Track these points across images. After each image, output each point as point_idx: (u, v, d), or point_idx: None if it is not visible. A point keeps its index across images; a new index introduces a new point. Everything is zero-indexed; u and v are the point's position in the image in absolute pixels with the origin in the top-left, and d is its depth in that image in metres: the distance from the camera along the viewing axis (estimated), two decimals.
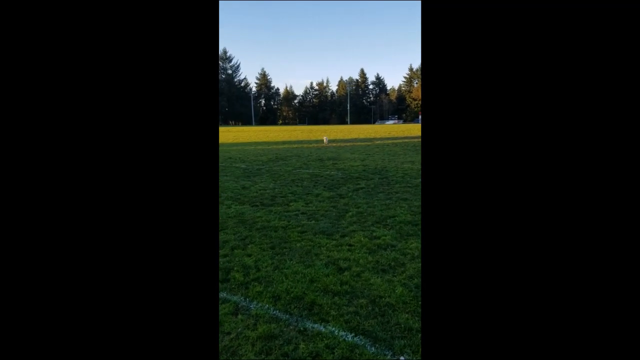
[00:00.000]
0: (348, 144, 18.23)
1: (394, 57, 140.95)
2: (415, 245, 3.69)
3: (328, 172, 8.57)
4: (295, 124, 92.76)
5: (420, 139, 19.24)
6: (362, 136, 25.12)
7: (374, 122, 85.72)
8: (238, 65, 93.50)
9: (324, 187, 6.79)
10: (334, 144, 17.84)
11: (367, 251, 3.56)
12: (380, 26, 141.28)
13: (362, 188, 6.59)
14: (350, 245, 3.74)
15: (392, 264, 3.27)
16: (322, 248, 3.65)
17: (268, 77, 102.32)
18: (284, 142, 19.64)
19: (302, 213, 5.00)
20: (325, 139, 17.94)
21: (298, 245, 3.76)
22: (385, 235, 4.00)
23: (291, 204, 5.54)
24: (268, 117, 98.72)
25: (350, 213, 4.93)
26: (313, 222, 4.58)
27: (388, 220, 4.56)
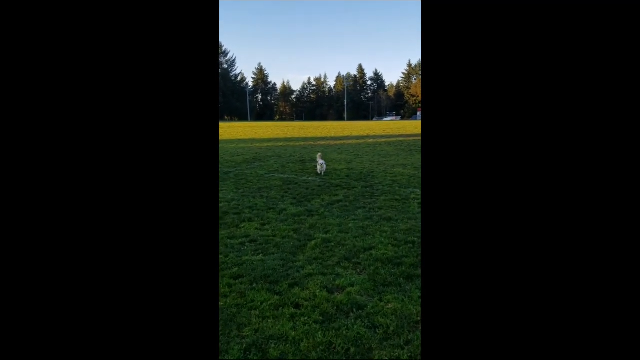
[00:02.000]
0: (338, 142, 16.98)
1: (392, 53, 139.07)
2: (393, 306, 2.47)
3: (305, 178, 7.34)
4: (293, 119, 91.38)
5: (415, 138, 18.41)
6: (355, 133, 23.86)
7: (372, 119, 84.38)
8: (234, 60, 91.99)
9: (293, 198, 5.56)
10: (324, 142, 16.59)
11: (319, 318, 2.34)
12: (379, 22, 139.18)
13: (339, 201, 5.36)
14: (297, 306, 2.52)
15: (352, 350, 2.05)
16: (253, 312, 2.43)
17: (265, 72, 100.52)
18: (269, 140, 18.36)
19: (252, 241, 3.78)
20: (320, 164, 7.67)
21: (220, 305, 2.54)
22: (353, 285, 2.78)
23: (243, 224, 4.31)
24: (265, 113, 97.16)
25: (314, 241, 3.71)
26: (260, 257, 3.36)
27: (361, 256, 3.35)
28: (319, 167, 7.66)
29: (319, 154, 8.30)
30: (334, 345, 2.10)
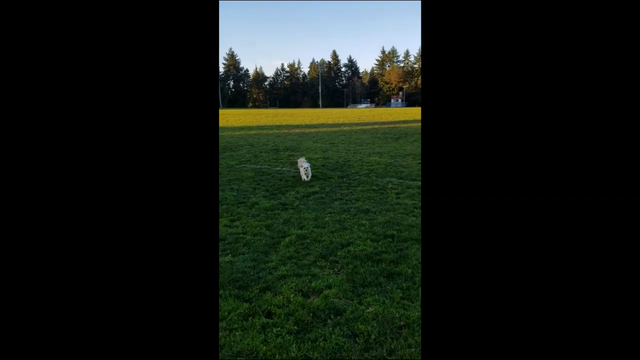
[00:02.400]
0: (313, 130, 16.68)
1: (366, 39, 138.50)
2: (374, 309, 2.28)
3: (279, 168, 7.04)
4: (267, 106, 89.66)
5: (390, 125, 18.44)
6: (330, 121, 23.60)
7: (346, 106, 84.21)
8: None
9: (266, 191, 5.27)
10: (298, 130, 16.23)
11: (294, 328, 2.12)
12: (352, 6, 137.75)
13: (314, 193, 5.13)
14: (269, 314, 2.28)
15: None
16: (219, 324, 2.16)
17: (237, 58, 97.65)
18: (241, 128, 17.76)
19: (219, 240, 3.48)
20: (305, 168, 5.86)
21: None
22: (330, 287, 2.57)
23: None
24: (237, 100, 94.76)
25: (288, 238, 3.47)
26: (228, 257, 3.08)
27: (339, 253, 3.14)
28: (303, 173, 5.86)
29: (301, 158, 6.23)
30: (310, 359, 1.88)
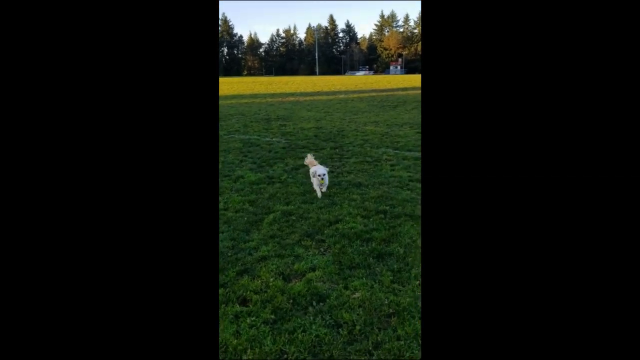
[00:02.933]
0: (308, 98, 16.10)
1: (364, 2, 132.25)
2: (360, 295, 2.07)
3: (269, 139, 6.70)
4: (262, 74, 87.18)
5: (388, 93, 17.85)
6: (326, 89, 22.83)
7: (344, 73, 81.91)
8: None
9: (253, 163, 4.97)
10: (292, 98, 15.66)
11: (270, 317, 1.91)
12: None
13: (304, 165, 4.83)
14: (244, 301, 2.06)
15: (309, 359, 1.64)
16: None
17: (230, 23, 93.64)
18: (233, 97, 17.12)
19: None
20: (320, 176, 3.52)
21: None
22: (314, 269, 2.35)
23: None
24: (232, 68, 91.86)
25: (272, 215, 3.22)
26: None
27: (326, 231, 2.90)
28: (316, 184, 3.64)
29: (309, 156, 4.12)
30: (285, 354, 1.68)
